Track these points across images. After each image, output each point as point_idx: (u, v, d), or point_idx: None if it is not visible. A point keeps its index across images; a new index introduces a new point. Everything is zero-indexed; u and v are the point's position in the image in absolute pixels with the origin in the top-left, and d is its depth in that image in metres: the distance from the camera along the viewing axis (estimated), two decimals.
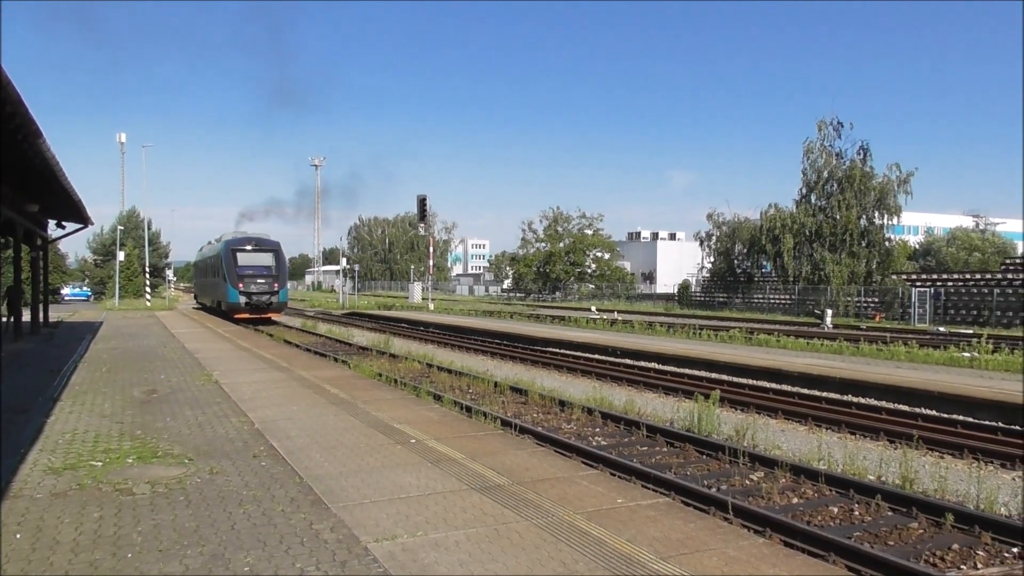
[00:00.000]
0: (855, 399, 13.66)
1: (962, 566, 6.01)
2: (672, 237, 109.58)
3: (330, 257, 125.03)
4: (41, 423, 9.16)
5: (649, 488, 7.59)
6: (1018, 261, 41.87)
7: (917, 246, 74.30)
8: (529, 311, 45.06)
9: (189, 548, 4.89)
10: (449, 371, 16.81)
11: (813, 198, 48.41)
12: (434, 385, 14.79)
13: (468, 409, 11.59)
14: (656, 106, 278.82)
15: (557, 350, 22.42)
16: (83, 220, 24.50)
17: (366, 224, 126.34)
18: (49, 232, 26.75)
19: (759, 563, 4.67)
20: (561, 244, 71.57)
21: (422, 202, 49.15)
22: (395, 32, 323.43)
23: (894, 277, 44.59)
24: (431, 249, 60.02)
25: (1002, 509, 7.42)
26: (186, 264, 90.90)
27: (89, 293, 68.69)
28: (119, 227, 60.40)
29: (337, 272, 76.09)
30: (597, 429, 11.09)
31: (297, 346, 22.63)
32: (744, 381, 15.73)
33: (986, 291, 36.08)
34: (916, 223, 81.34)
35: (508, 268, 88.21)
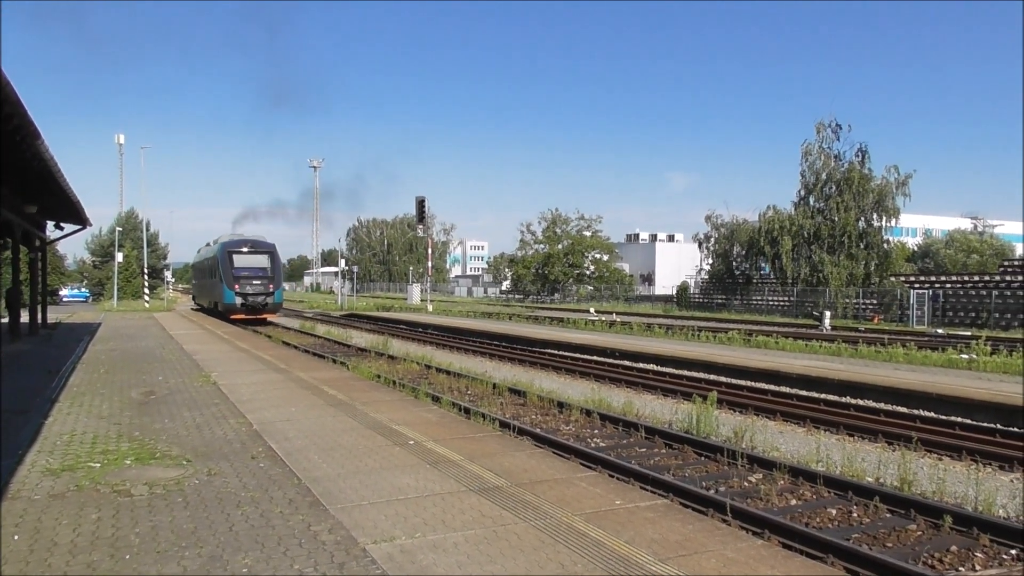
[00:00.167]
0: (853, 401, 13.67)
1: (960, 568, 6.01)
2: (671, 239, 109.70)
3: (329, 258, 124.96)
4: (39, 424, 9.15)
5: (647, 490, 7.59)
6: (1016, 263, 41.95)
7: (915, 248, 74.42)
8: (528, 313, 45.06)
9: (187, 550, 4.89)
10: (447, 372, 16.81)
11: (812, 200, 48.47)
12: (432, 386, 14.77)
13: (466, 410, 11.58)
14: (655, 107, 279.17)
15: (556, 352, 22.42)
16: (81, 221, 24.51)
17: (365, 225, 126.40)
18: (47, 233, 26.76)
19: (757, 565, 4.67)
20: (560, 246, 71.63)
21: (421, 203, 49.15)
22: (394, 33, 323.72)
23: (892, 279, 44.67)
24: (430, 250, 60.09)
25: (1000, 511, 7.42)
26: (185, 265, 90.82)
27: (87, 294, 68.70)
28: (117, 228, 60.47)
29: (336, 273, 76.11)
30: (596, 431, 11.08)
31: (295, 347, 22.61)
32: (742, 383, 15.74)
33: (984, 293, 36.13)
34: (914, 225, 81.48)
35: (507, 270, 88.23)
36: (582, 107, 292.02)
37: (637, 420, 11.27)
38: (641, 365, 18.89)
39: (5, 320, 23.08)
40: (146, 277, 54.04)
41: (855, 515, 7.23)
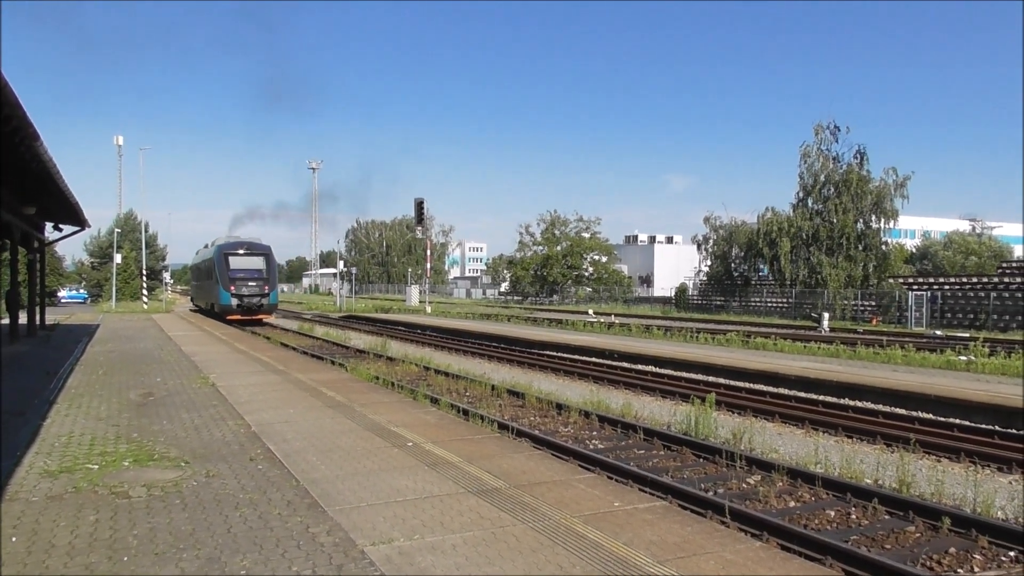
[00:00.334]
0: (852, 402, 13.67)
1: (959, 570, 6.01)
2: (669, 240, 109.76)
3: (328, 260, 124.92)
4: (37, 426, 9.13)
5: (646, 491, 7.60)
6: (1014, 265, 42.00)
7: (914, 250, 74.53)
8: (526, 314, 45.05)
9: (185, 551, 4.88)
10: (446, 374, 16.80)
11: (810, 202, 48.54)
12: (431, 388, 14.77)
13: (465, 412, 11.58)
14: (654, 109, 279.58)
15: (554, 353, 22.41)
16: (80, 223, 24.47)
17: (363, 227, 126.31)
18: (46, 235, 26.71)
19: (756, 567, 4.67)
20: (558, 247, 71.63)
21: (419, 205, 49.14)
22: (393, 35, 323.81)
23: (891, 281, 44.71)
24: (428, 252, 60.12)
25: (999, 513, 7.43)
26: (183, 267, 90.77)
27: (86, 296, 68.69)
28: (116, 230, 60.46)
29: (334, 275, 76.10)
30: (594, 432, 11.08)
31: (294, 349, 22.60)
32: (741, 384, 15.75)
33: (982, 295, 36.16)
34: (913, 227, 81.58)
35: (505, 271, 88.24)
36: (581, 109, 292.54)
37: (636, 422, 11.28)
38: (640, 367, 18.89)
39: (4, 321, 23.06)
40: (144, 278, 53.96)
41: (854, 517, 7.23)
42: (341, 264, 66.61)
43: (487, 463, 7.28)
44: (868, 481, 8.38)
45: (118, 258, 54.12)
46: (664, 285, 73.34)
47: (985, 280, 38.30)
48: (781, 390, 15.09)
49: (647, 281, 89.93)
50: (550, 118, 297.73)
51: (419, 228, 64.02)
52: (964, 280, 39.26)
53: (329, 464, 7.23)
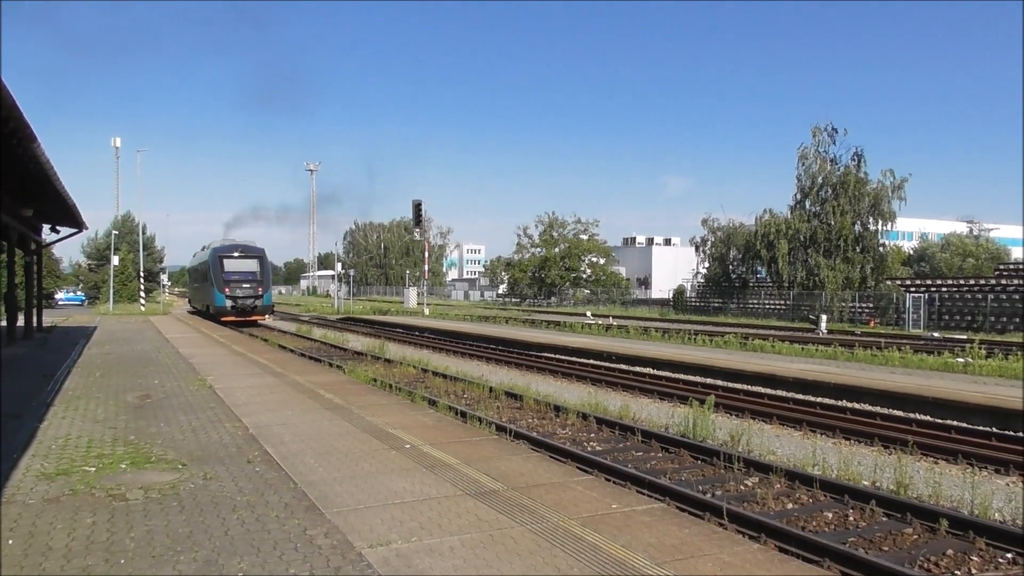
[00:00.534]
0: (850, 404, 13.68)
1: (957, 572, 6.01)
2: (667, 242, 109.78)
3: (326, 262, 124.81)
4: (34, 428, 9.12)
5: (644, 493, 7.60)
6: (1011, 267, 42.07)
7: (911, 252, 74.70)
8: (524, 316, 45.05)
9: (182, 554, 4.87)
10: (444, 376, 16.79)
11: (808, 204, 48.56)
12: (429, 390, 14.77)
13: (463, 414, 11.57)
14: (651, 112, 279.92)
15: (552, 355, 22.42)
16: (77, 224, 24.45)
17: (362, 229, 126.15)
18: (43, 237, 26.67)
19: (754, 568, 4.67)
20: (556, 249, 71.62)
21: (417, 207, 49.16)
22: (392, 37, 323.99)
23: (888, 283, 44.74)
24: (426, 254, 60.10)
25: (996, 515, 7.43)
26: (181, 269, 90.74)
27: (83, 298, 68.57)
28: (114, 232, 60.38)
29: (332, 277, 76.02)
30: (592, 434, 11.08)
31: (292, 351, 22.58)
32: (739, 386, 15.75)
33: (980, 297, 36.20)
34: (910, 229, 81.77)
35: (503, 273, 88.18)
36: (579, 111, 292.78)
37: (634, 424, 11.28)
38: (638, 369, 18.90)
39: (1, 324, 23.01)
40: (142, 281, 53.89)
41: (851, 519, 7.23)
42: (339, 266, 66.57)
43: (485, 465, 7.28)
44: (866, 483, 8.39)
45: (115, 260, 54.07)
46: (662, 287, 73.50)
47: (982, 282, 38.35)
48: (779, 392, 15.10)
49: (645, 283, 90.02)
50: (548, 120, 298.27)
51: (417, 230, 64.11)
52: (961, 282, 39.30)
53: (327, 466, 7.23)
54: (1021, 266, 42.48)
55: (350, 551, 4.92)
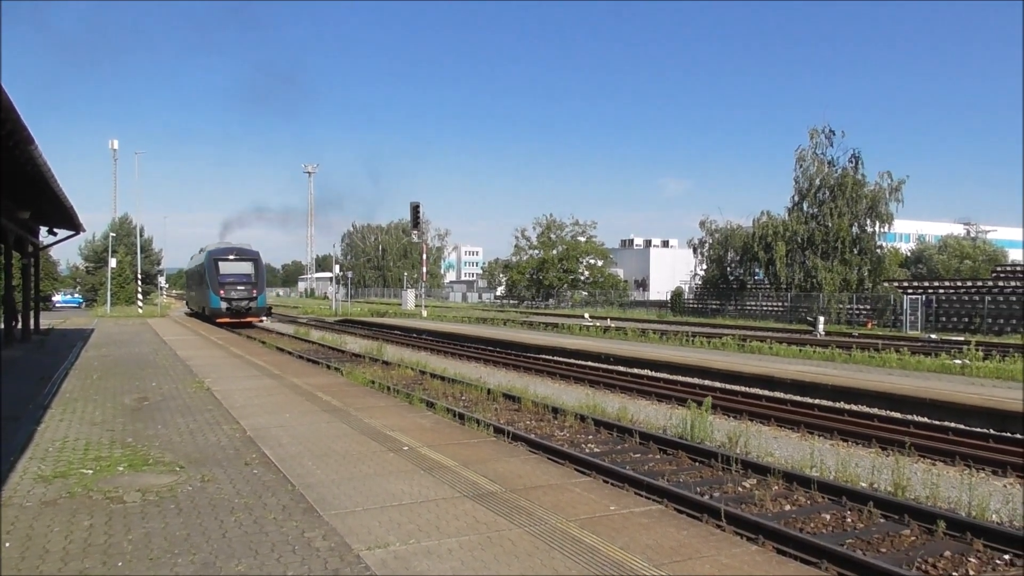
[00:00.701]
0: (847, 406, 13.68)
1: (954, 573, 6.02)
2: (665, 244, 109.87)
3: (324, 264, 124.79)
4: (31, 431, 9.10)
5: (642, 495, 7.60)
6: (1009, 269, 42.15)
7: (909, 254, 74.80)
8: (522, 318, 45.06)
9: (180, 556, 4.87)
10: (442, 378, 16.78)
11: (805, 206, 48.65)
12: (427, 392, 14.76)
13: (461, 416, 11.57)
14: (649, 114, 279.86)
15: (550, 357, 22.42)
16: (75, 227, 24.42)
17: (359, 231, 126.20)
18: (41, 239, 26.62)
19: (752, 570, 4.67)
20: (554, 251, 71.69)
21: (415, 209, 49.19)
22: (390, 39, 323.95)
23: (886, 284, 44.81)
24: (424, 256, 60.04)
25: (994, 516, 7.44)
26: (178, 271, 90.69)
27: (81, 300, 68.49)
28: (111, 234, 60.38)
29: (330, 279, 76.02)
30: (590, 436, 11.08)
31: (289, 353, 22.56)
32: (737, 388, 15.77)
33: (977, 298, 36.26)
34: (908, 231, 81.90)
35: (501, 275, 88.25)
36: (577, 113, 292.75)
37: (631, 426, 11.28)
38: (636, 370, 18.91)
39: None
40: (139, 283, 53.84)
41: (849, 520, 7.24)
42: (337, 268, 66.60)
43: (483, 467, 7.28)
44: (864, 485, 8.40)
45: (113, 262, 54.02)
46: (660, 289, 73.49)
47: (980, 284, 38.46)
48: (777, 394, 15.11)
49: (643, 285, 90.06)
50: (546, 123, 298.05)
51: (415, 232, 64.07)
52: (959, 284, 39.43)
53: (325, 468, 7.22)
54: (1018, 268, 42.55)
55: (348, 553, 4.92)
